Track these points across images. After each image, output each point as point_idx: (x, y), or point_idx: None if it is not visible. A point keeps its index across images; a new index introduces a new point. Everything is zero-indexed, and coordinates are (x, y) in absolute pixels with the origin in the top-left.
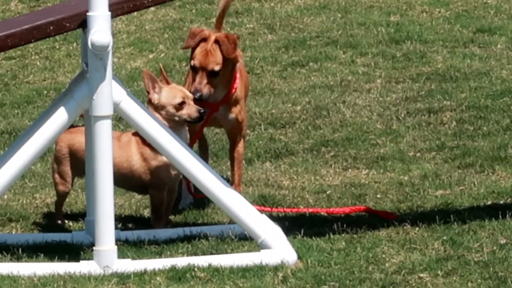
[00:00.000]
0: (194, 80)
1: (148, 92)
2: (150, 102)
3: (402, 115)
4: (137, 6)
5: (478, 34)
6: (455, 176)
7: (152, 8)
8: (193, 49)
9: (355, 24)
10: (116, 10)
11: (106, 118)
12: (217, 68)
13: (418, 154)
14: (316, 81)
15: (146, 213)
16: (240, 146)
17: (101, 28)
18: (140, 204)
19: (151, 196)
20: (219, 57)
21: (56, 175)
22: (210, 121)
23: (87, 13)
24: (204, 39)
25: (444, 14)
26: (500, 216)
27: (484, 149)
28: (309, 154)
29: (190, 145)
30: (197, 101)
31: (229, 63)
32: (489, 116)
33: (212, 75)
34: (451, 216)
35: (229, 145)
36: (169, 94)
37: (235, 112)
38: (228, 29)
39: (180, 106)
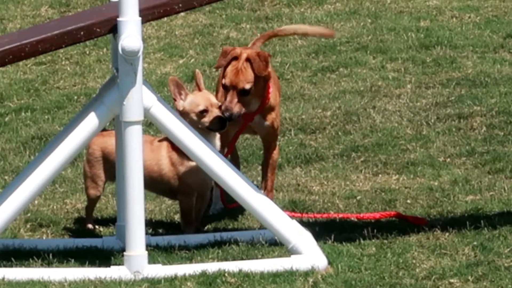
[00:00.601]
0: (225, 98)
1: (175, 99)
2: (176, 109)
3: (432, 121)
4: (168, 12)
5: (508, 40)
6: (485, 182)
7: (182, 14)
8: (225, 67)
9: (385, 29)
10: (147, 16)
11: (136, 124)
12: (247, 86)
13: (448, 159)
14: (346, 87)
15: (177, 218)
16: (275, 153)
17: (131, 34)
18: (170, 209)
19: (180, 201)
20: (250, 75)
21: (88, 179)
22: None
23: (118, 19)
24: (236, 58)
25: (474, 19)
26: None
27: None
28: (339, 159)
29: (227, 154)
30: (228, 120)
31: (261, 79)
32: None
33: (243, 94)
34: (481, 221)
35: (263, 151)
36: (193, 101)
37: (269, 119)
38: (258, 34)
39: (201, 114)
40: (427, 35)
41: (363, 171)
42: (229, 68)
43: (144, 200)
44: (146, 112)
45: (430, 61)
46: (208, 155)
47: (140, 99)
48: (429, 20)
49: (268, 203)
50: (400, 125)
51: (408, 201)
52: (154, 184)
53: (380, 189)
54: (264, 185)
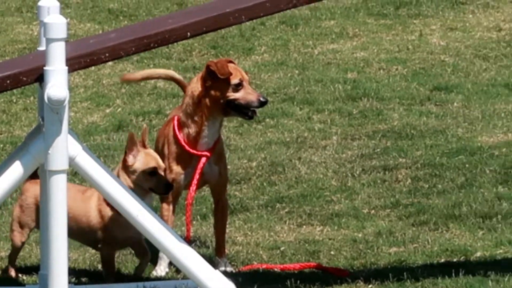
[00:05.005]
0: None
1: (126, 153)
2: (124, 162)
3: (358, 172)
4: (94, 61)
5: (435, 92)
6: (409, 234)
7: (110, 63)
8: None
9: (312, 80)
10: (73, 65)
11: (61, 173)
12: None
13: (373, 211)
14: (272, 137)
15: (100, 267)
16: (226, 208)
17: (57, 83)
18: (94, 258)
19: (101, 251)
20: None
21: (16, 224)
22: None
23: (44, 67)
24: (230, 61)
25: (401, 71)
26: (453, 274)
27: (438, 207)
28: (264, 210)
29: (192, 192)
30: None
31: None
32: (444, 174)
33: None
34: (405, 273)
35: (213, 205)
36: (144, 160)
37: (220, 166)
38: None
39: (149, 175)
40: (354, 87)
41: (287, 222)
42: (233, 66)
43: (67, 249)
44: (71, 161)
45: (357, 113)
46: (131, 204)
47: (65, 148)
48: (357, 72)
49: (191, 253)
50: (325, 177)
51: (332, 252)
52: (81, 233)
53: (304, 240)
54: (216, 247)
